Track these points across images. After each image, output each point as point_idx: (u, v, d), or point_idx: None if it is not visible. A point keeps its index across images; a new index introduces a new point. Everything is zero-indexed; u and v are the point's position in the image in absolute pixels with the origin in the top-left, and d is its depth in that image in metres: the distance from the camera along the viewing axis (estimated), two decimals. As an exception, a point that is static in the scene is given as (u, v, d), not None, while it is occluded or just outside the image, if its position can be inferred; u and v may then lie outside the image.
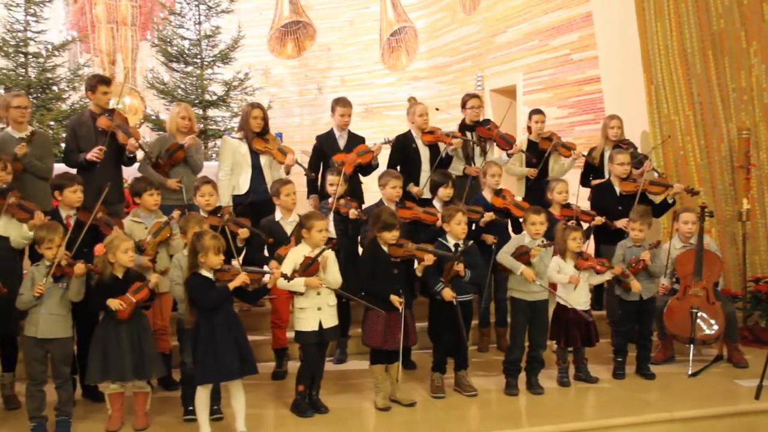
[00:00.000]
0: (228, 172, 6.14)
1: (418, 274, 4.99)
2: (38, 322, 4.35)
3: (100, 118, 5.76)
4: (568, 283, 5.26)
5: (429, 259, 4.88)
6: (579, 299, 5.33)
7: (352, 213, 5.70)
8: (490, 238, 5.83)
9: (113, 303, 4.31)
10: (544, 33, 9.09)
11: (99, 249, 4.40)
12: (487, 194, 6.17)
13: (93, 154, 5.69)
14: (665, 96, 7.09)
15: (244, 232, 5.33)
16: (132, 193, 5.25)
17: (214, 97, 9.75)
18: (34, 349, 4.39)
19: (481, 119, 6.97)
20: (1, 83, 8.62)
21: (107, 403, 4.51)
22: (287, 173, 6.17)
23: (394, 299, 4.77)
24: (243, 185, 6.13)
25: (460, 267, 4.93)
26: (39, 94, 8.64)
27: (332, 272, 4.79)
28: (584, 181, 6.91)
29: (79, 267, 4.36)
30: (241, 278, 4.28)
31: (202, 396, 4.30)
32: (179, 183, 5.96)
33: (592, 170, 6.90)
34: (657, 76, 7.09)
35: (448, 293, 4.93)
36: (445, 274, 4.97)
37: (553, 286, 5.39)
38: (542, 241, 5.15)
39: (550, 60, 9.02)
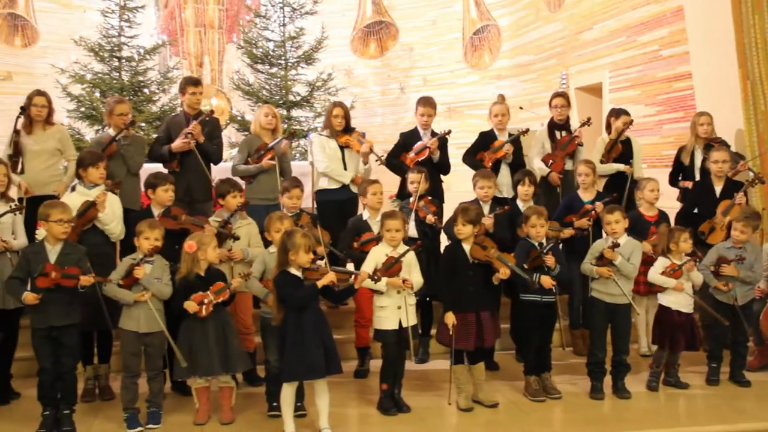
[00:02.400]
0: (328, 163, 6.32)
1: (495, 282, 4.88)
2: (139, 318, 4.48)
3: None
4: (673, 289, 5.17)
5: (504, 273, 4.75)
6: (682, 300, 5.20)
7: (429, 219, 5.65)
8: (585, 223, 5.74)
9: (190, 306, 4.43)
10: (632, 29, 8.84)
11: (191, 246, 4.51)
12: (582, 194, 6.00)
13: (178, 144, 5.93)
14: (762, 92, 6.78)
15: (320, 251, 5.04)
16: (217, 194, 5.37)
17: (298, 98, 9.92)
18: (133, 344, 4.52)
19: (566, 118, 6.85)
20: (97, 87, 9.01)
21: (194, 397, 4.63)
22: (365, 163, 6.38)
23: (448, 318, 4.74)
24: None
25: (551, 261, 4.88)
26: (131, 97, 8.98)
27: (414, 274, 4.81)
28: (673, 181, 6.70)
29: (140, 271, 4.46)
30: (329, 277, 4.30)
31: (288, 393, 4.34)
32: (272, 161, 6.13)
33: (681, 170, 6.67)
34: (753, 71, 6.80)
35: (547, 280, 4.87)
36: (528, 262, 4.90)
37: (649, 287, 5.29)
38: (612, 242, 5.03)
39: (638, 56, 8.76)
